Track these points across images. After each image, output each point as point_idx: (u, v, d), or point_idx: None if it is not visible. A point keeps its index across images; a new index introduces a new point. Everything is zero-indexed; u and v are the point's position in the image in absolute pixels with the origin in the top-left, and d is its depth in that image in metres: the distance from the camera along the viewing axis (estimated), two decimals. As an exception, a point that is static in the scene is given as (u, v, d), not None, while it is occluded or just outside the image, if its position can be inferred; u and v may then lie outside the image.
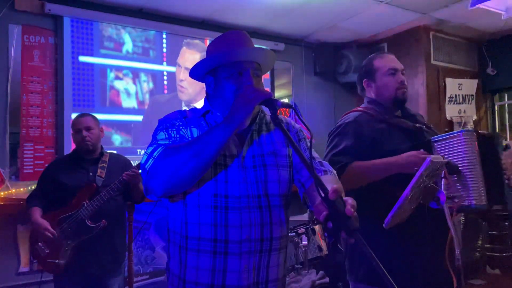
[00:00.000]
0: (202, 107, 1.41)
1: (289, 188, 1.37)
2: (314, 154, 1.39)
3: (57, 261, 2.32)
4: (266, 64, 1.39)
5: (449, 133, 1.73)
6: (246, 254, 1.24)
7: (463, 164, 1.63)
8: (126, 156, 2.85)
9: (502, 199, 1.71)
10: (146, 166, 1.23)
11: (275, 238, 1.30)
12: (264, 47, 3.99)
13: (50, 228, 2.30)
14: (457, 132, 1.70)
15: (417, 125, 1.89)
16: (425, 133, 1.88)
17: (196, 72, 1.39)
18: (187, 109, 1.42)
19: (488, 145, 1.73)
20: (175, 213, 1.32)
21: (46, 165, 2.82)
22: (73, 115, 2.97)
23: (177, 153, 1.17)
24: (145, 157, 1.26)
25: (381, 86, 1.94)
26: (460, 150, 1.65)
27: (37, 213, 2.37)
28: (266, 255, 1.28)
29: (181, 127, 1.32)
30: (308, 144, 1.40)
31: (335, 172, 1.38)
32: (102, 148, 2.61)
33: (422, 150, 1.69)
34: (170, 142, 1.27)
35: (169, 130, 1.31)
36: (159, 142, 1.28)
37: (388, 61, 1.96)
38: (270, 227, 1.28)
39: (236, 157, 1.29)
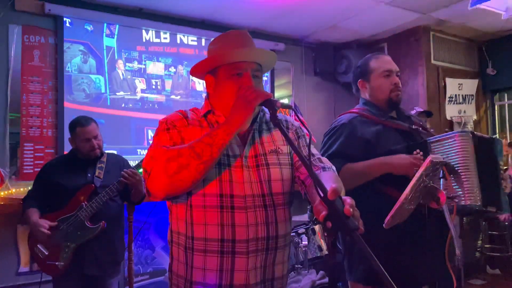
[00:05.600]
0: (203, 107, 1.40)
1: (292, 186, 1.37)
2: (313, 150, 1.39)
3: (56, 263, 2.30)
4: (267, 64, 1.39)
5: (444, 134, 1.73)
6: (253, 253, 1.25)
7: (458, 165, 1.64)
8: (126, 156, 2.84)
9: (497, 201, 1.71)
10: (147, 168, 1.23)
11: (281, 236, 1.31)
12: (264, 47, 4.01)
13: (46, 225, 2.26)
14: (453, 133, 1.70)
15: (413, 126, 1.89)
16: (422, 134, 1.88)
17: (197, 71, 1.39)
18: (188, 110, 1.42)
19: (486, 148, 1.73)
20: (179, 214, 1.31)
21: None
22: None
23: (178, 155, 1.17)
24: (147, 159, 1.25)
25: (375, 87, 1.94)
26: (455, 151, 1.66)
27: (35, 215, 2.32)
28: (272, 253, 1.29)
29: (182, 128, 1.32)
30: (308, 141, 1.40)
31: (334, 167, 1.38)
32: None
33: (418, 150, 1.69)
34: (172, 144, 1.26)
35: (171, 131, 1.30)
36: (160, 143, 1.27)
37: (383, 62, 1.95)
38: (275, 226, 1.29)
39: (239, 157, 1.29)
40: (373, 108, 1.93)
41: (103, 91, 3.66)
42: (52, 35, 3.44)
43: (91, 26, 3.61)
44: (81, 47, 3.57)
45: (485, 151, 1.71)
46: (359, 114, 1.92)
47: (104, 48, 3.68)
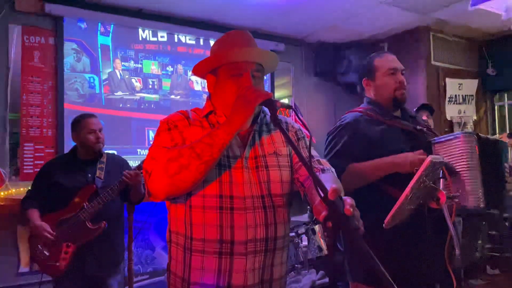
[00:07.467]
0: (204, 107, 1.40)
1: (291, 187, 1.37)
2: (313, 152, 1.39)
3: (57, 263, 2.30)
4: (268, 65, 1.39)
5: (448, 134, 1.72)
6: (252, 254, 1.25)
7: (462, 166, 1.63)
8: (126, 156, 2.84)
9: (500, 204, 1.70)
10: (148, 168, 1.22)
11: (279, 237, 1.31)
12: (264, 47, 4.00)
13: (49, 230, 2.28)
14: (457, 134, 1.69)
15: (417, 127, 1.88)
16: (426, 135, 1.87)
17: (198, 71, 1.39)
18: (190, 110, 1.42)
19: (491, 150, 1.73)
20: (178, 214, 1.31)
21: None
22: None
23: (179, 155, 1.17)
24: (147, 159, 1.25)
25: (380, 85, 1.93)
26: (459, 151, 1.65)
27: (35, 215, 2.32)
28: (271, 254, 1.29)
29: (184, 128, 1.31)
30: (307, 142, 1.40)
31: (333, 169, 1.38)
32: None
33: (421, 150, 1.69)
34: (173, 144, 1.26)
35: (172, 131, 1.30)
36: (161, 144, 1.27)
37: (388, 60, 1.94)
38: (274, 227, 1.29)
39: (239, 158, 1.29)
40: (377, 107, 1.92)
41: (97, 91, 3.61)
42: (52, 35, 3.44)
43: (85, 23, 3.57)
44: (74, 45, 3.52)
45: (489, 153, 1.70)
46: (364, 113, 1.91)
47: (99, 46, 3.63)
